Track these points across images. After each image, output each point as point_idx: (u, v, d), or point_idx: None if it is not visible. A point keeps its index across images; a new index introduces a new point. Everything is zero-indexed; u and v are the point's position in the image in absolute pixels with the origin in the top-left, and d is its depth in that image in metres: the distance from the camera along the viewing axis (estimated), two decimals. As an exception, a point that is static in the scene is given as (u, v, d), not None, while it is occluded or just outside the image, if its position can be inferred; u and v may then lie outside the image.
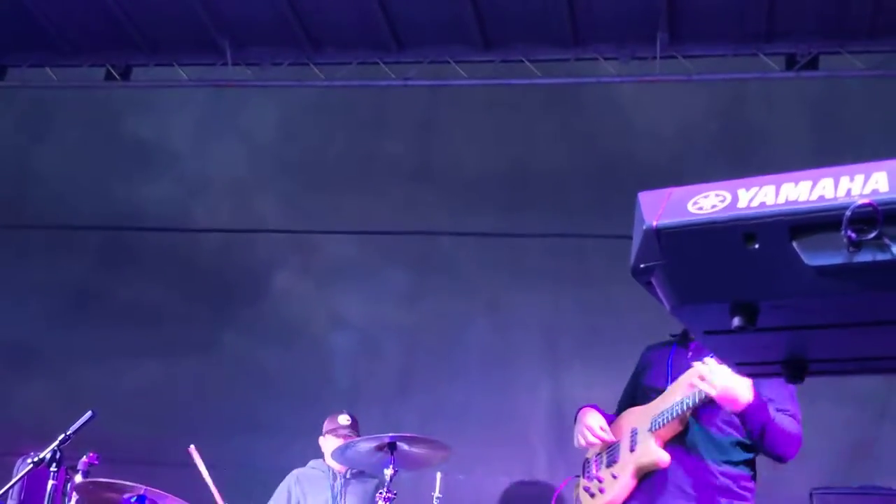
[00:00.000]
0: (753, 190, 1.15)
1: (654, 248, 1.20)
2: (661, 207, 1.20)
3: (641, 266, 1.22)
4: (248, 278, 6.64)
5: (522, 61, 6.35)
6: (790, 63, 6.12)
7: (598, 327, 6.05)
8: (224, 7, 6.32)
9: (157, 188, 6.85)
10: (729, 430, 3.15)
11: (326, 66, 6.58)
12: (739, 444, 3.16)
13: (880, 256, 1.07)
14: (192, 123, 7.02)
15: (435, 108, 6.73)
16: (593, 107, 6.57)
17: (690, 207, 1.18)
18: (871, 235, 1.07)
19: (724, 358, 1.41)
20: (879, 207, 1.07)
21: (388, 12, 6.22)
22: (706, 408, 3.11)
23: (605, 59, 6.31)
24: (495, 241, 6.46)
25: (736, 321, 1.21)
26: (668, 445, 3.18)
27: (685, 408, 3.09)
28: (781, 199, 1.13)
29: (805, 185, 1.13)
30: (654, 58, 6.14)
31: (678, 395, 3.14)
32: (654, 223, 1.19)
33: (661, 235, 1.19)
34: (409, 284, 6.50)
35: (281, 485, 4.75)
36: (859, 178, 1.10)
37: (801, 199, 1.11)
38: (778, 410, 3.06)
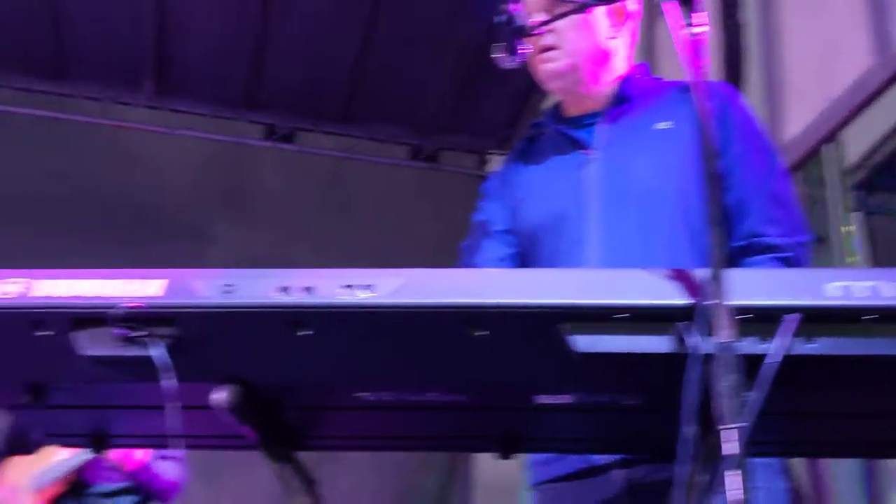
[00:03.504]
0: (48, 281, 1.26)
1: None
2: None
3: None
4: None
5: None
6: (268, 133, 6.53)
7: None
8: None
9: None
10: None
11: None
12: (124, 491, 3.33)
13: (136, 352, 1.22)
14: None
15: None
16: (75, 144, 6.45)
17: (-8, 290, 1.25)
18: (140, 333, 1.23)
19: (34, 429, 1.50)
20: (148, 310, 1.23)
21: None
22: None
23: (88, 98, 6.25)
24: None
25: (34, 400, 1.31)
26: None
27: (70, 468, 3.17)
28: (69, 293, 1.24)
29: (95, 284, 1.26)
30: (139, 105, 6.21)
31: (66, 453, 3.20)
32: (-45, 302, 1.24)
33: (-39, 315, 1.24)
34: None
35: None
36: (151, 282, 1.25)
37: (83, 295, 1.24)
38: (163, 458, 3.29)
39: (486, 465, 6.30)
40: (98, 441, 1.47)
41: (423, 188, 6.88)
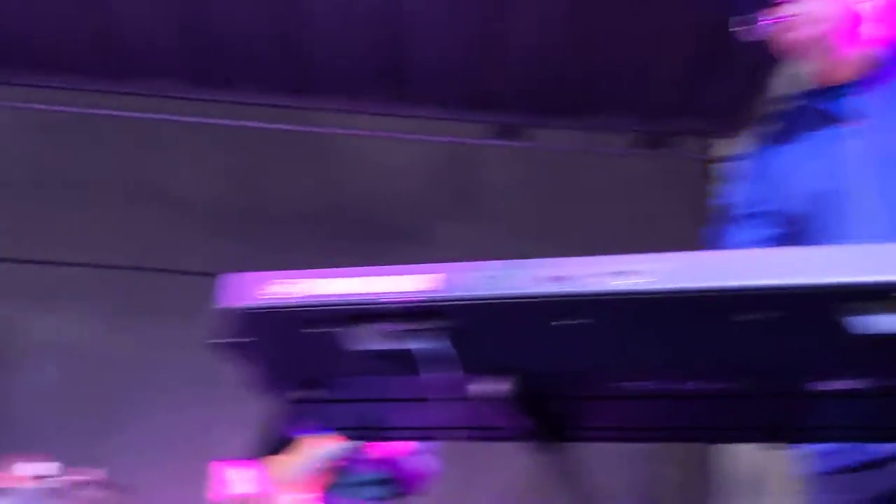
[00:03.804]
0: (322, 280, 1.32)
1: (238, 328, 1.34)
2: (244, 289, 1.33)
3: (225, 342, 1.35)
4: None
5: (252, 104, 6.45)
6: (497, 131, 6.58)
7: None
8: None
9: None
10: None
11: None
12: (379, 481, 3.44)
13: (411, 345, 1.26)
14: None
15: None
16: (314, 155, 6.73)
17: (269, 291, 1.32)
18: (419, 327, 1.26)
19: (312, 422, 1.58)
20: (423, 304, 1.25)
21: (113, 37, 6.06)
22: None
23: (329, 110, 6.52)
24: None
25: (309, 394, 1.39)
26: None
27: (331, 458, 3.31)
28: (343, 290, 1.30)
29: (365, 281, 1.30)
30: (373, 114, 6.44)
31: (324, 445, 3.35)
32: (238, 303, 1.32)
33: (244, 316, 1.32)
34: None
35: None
36: (421, 277, 1.27)
37: (356, 292, 1.29)
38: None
39: (734, 456, 6.12)
40: (365, 433, 1.53)
41: (652, 176, 6.74)
